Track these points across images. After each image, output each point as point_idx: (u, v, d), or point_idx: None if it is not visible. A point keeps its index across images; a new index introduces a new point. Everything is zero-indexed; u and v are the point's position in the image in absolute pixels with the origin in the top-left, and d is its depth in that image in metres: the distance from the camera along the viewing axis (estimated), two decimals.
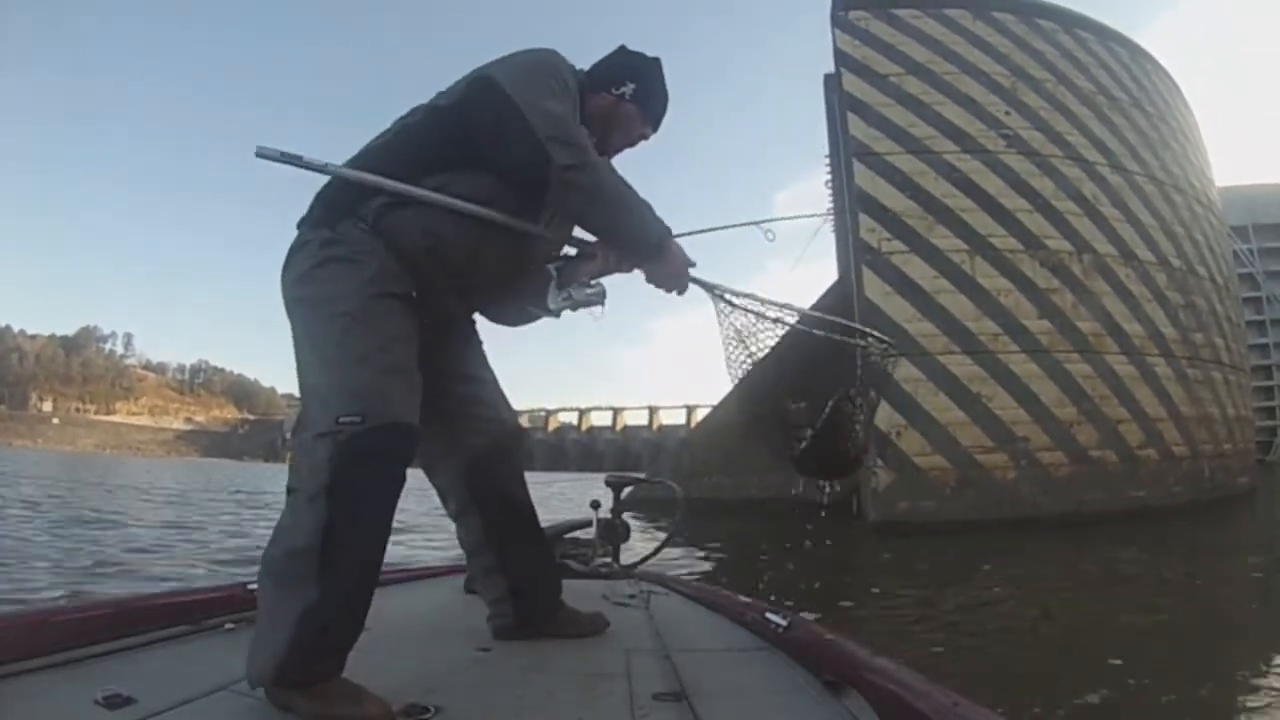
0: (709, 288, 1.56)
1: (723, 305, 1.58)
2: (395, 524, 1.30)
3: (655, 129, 1.74)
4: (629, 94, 1.64)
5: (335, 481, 1.18)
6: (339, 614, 1.17)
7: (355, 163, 1.41)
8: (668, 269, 1.46)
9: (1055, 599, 5.05)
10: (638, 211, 1.44)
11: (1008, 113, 10.71)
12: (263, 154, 1.19)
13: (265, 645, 1.16)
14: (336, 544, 1.17)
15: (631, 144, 1.72)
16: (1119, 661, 3.32)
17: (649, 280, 1.48)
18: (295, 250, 1.39)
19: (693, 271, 1.52)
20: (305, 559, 1.17)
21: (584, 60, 1.71)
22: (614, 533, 2.93)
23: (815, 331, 1.68)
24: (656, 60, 1.72)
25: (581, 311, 1.57)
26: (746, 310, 1.57)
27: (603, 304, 1.56)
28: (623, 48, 1.72)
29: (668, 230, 1.46)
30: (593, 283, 1.54)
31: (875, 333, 1.69)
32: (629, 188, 1.45)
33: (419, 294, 1.40)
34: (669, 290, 1.48)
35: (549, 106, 1.41)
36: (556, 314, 1.59)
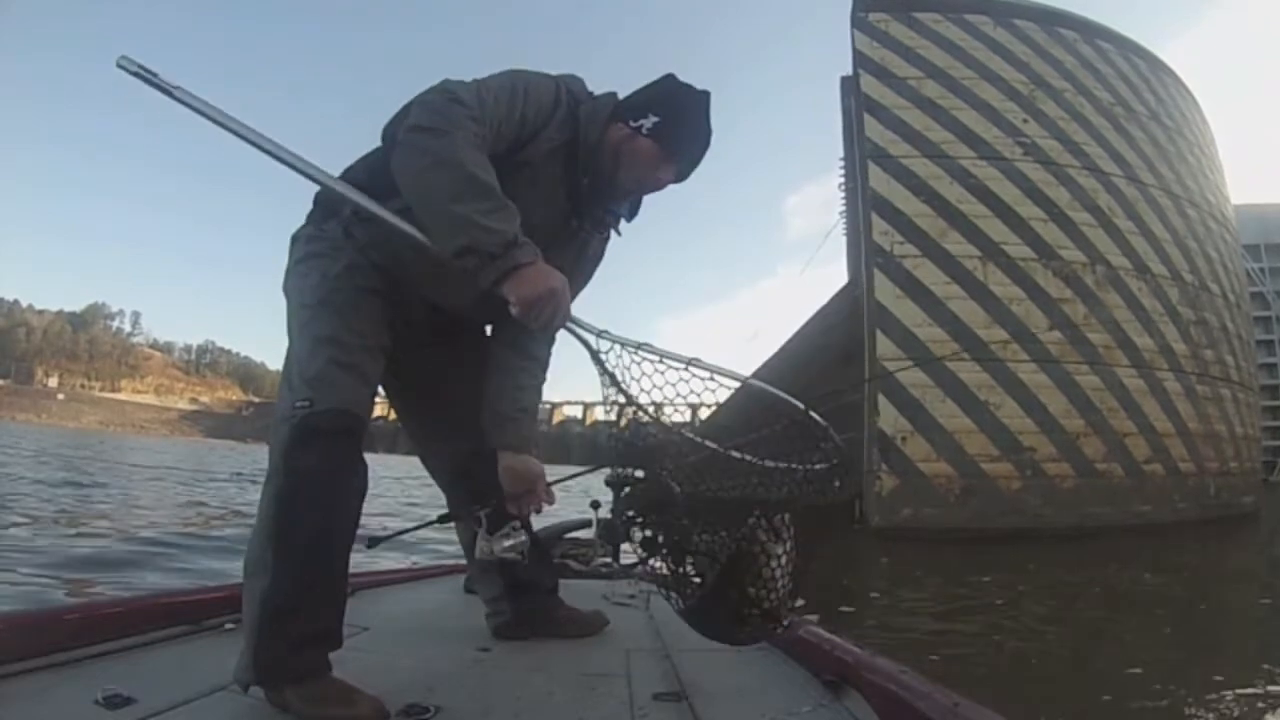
0: (589, 337, 1.26)
1: (612, 365, 1.25)
2: None
3: (680, 174, 1.48)
4: (648, 128, 1.41)
5: (286, 463, 1.21)
6: (294, 597, 1.16)
7: (347, 174, 1.41)
8: (519, 291, 1.18)
9: (1057, 610, 5.03)
10: (477, 204, 1.17)
11: (1025, 120, 10.66)
12: (122, 65, 1.12)
13: (245, 643, 1.17)
14: (286, 524, 1.19)
15: (645, 187, 1.48)
16: (1120, 671, 3.31)
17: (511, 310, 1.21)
18: (291, 245, 1.45)
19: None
20: (261, 544, 1.20)
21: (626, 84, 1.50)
22: (614, 533, 2.92)
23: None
24: (700, 95, 1.46)
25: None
26: (648, 360, 1.22)
27: (523, 556, 1.50)
28: (668, 76, 1.49)
29: (520, 241, 1.19)
30: (516, 532, 1.46)
31: (833, 434, 1.19)
32: (484, 182, 1.20)
33: (390, 291, 1.41)
34: (530, 324, 1.21)
35: (447, 84, 1.29)
36: (488, 557, 1.52)
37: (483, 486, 1.61)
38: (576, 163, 1.43)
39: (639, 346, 1.25)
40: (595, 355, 1.27)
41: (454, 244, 1.18)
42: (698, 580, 1.19)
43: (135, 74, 1.10)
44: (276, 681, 1.15)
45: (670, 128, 1.42)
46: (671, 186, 1.48)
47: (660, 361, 1.23)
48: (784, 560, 1.15)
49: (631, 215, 1.57)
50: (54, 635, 1.26)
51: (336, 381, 1.27)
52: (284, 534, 1.19)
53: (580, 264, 1.58)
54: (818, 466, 1.19)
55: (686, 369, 1.21)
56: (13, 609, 1.50)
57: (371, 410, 1.34)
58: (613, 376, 1.26)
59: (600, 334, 1.26)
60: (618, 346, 1.25)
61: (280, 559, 1.18)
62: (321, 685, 1.16)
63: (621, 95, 1.49)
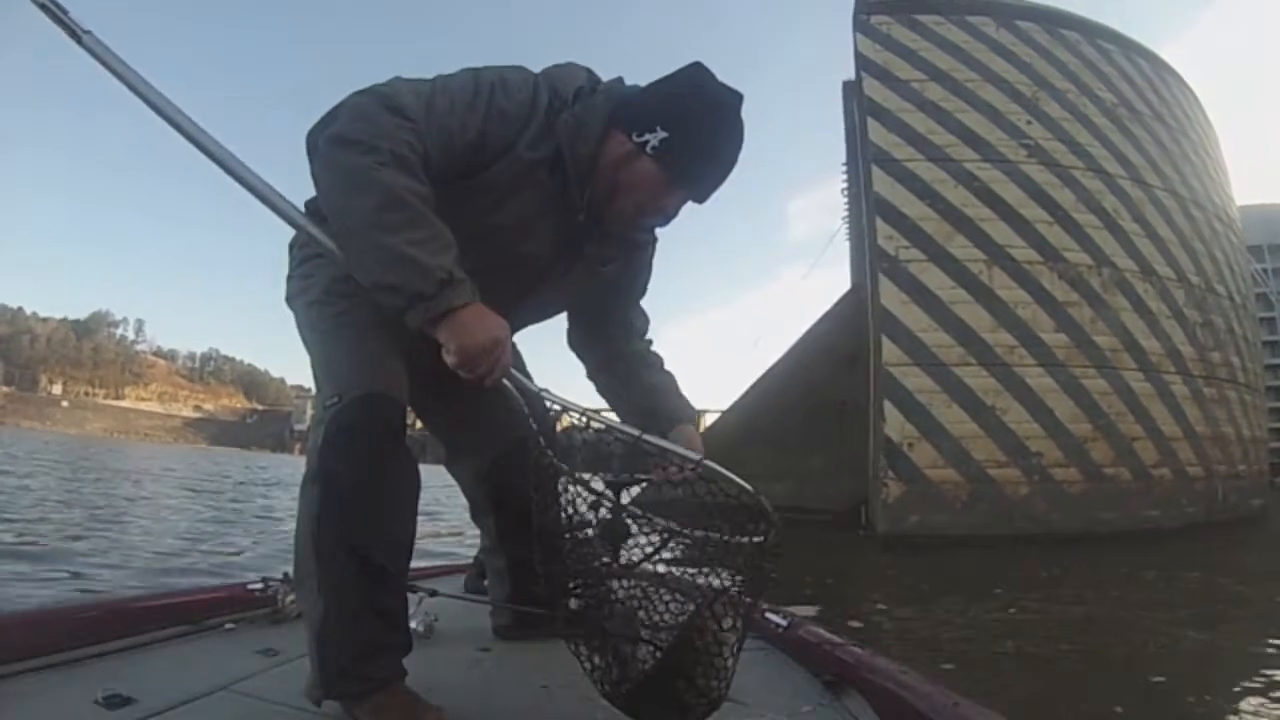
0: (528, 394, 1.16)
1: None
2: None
3: (689, 198, 1.21)
4: (653, 145, 1.13)
5: (323, 465, 1.11)
6: (344, 609, 1.10)
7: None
8: (457, 339, 1.02)
9: (1065, 617, 4.98)
10: (406, 233, 1.00)
11: (1029, 122, 10.63)
12: None
13: (309, 657, 1.12)
14: (324, 531, 1.11)
15: (649, 217, 1.23)
16: (1131, 679, 3.26)
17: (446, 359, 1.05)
18: (289, 254, 1.35)
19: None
20: (304, 556, 1.13)
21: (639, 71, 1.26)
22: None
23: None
24: (724, 101, 1.17)
25: None
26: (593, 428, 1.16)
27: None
28: (688, 70, 1.20)
29: (455, 279, 1.02)
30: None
31: (766, 506, 1.06)
32: (415, 207, 1.02)
33: None
34: (464, 375, 1.05)
35: (388, 85, 1.10)
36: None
37: (502, 493, 1.58)
38: (568, 185, 1.18)
39: (583, 412, 1.17)
40: (527, 422, 1.19)
41: (376, 278, 1.02)
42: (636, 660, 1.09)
43: (39, 4, 0.96)
44: (341, 696, 1.10)
45: (679, 148, 1.14)
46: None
47: (606, 430, 1.16)
48: (735, 649, 1.07)
49: (668, 220, 1.30)
50: (54, 635, 1.25)
51: (362, 366, 1.17)
52: (325, 544, 1.10)
53: (605, 292, 1.41)
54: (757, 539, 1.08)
55: (638, 439, 1.12)
56: (13, 609, 1.48)
57: (406, 394, 1.22)
58: (547, 439, 1.18)
59: (541, 391, 1.16)
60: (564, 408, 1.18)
61: (324, 570, 1.10)
62: (385, 698, 1.10)
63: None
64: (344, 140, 1.03)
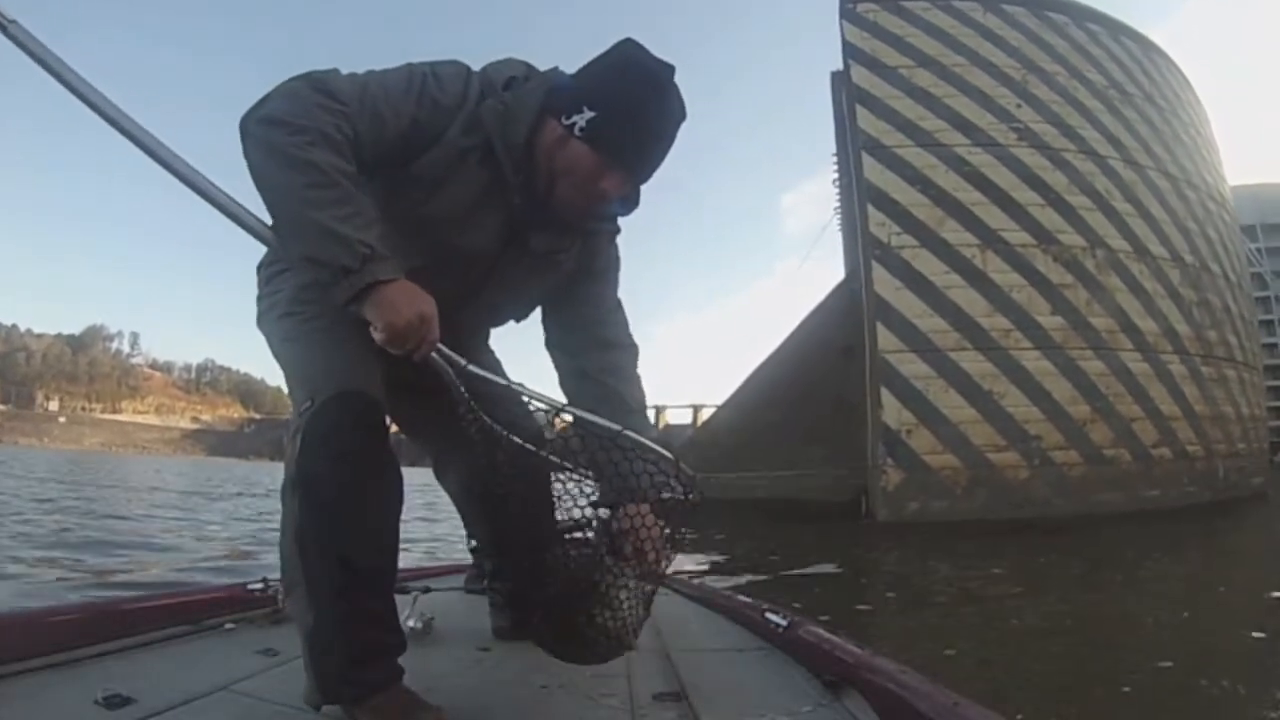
0: (455, 373, 1.13)
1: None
2: None
3: (627, 183, 1.17)
4: (581, 126, 1.11)
5: (300, 472, 1.10)
6: (332, 617, 1.09)
7: None
8: (383, 315, 1.02)
9: (1069, 601, 4.98)
10: (332, 210, 1.01)
11: (1019, 106, 10.66)
12: None
13: (304, 663, 1.11)
14: (308, 538, 1.10)
15: (595, 203, 1.18)
16: (1134, 666, 3.25)
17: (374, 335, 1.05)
18: (257, 276, 1.34)
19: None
20: (290, 564, 1.12)
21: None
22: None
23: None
24: (650, 73, 1.15)
25: None
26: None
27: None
28: (619, 45, 1.17)
29: (378, 254, 1.01)
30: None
31: (682, 466, 1.10)
32: (342, 185, 1.03)
33: None
34: (392, 351, 1.05)
35: (321, 73, 1.11)
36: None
37: (489, 507, 1.51)
38: (503, 174, 1.17)
39: (507, 384, 1.16)
40: (457, 388, 1.16)
41: (303, 251, 1.04)
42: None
43: None
44: (339, 701, 1.09)
45: (607, 126, 1.11)
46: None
47: (529, 400, 1.16)
48: (634, 589, 1.11)
49: (628, 209, 1.28)
50: (54, 635, 1.24)
51: (335, 367, 1.14)
52: (309, 553, 1.09)
53: (568, 290, 1.37)
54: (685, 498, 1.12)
55: (558, 411, 1.13)
56: (13, 609, 1.47)
57: (383, 393, 1.19)
58: (472, 407, 1.17)
59: (464, 368, 1.14)
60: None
61: (311, 578, 1.09)
62: (384, 700, 1.09)
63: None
64: (274, 121, 1.04)
